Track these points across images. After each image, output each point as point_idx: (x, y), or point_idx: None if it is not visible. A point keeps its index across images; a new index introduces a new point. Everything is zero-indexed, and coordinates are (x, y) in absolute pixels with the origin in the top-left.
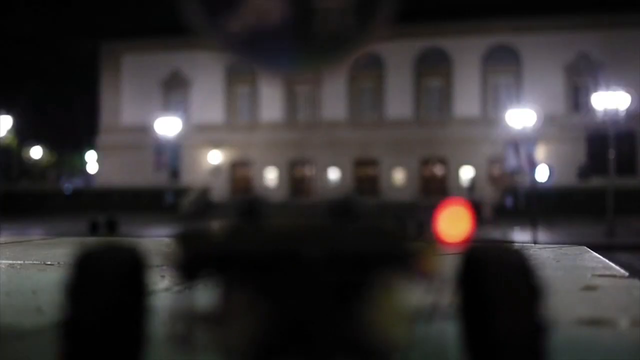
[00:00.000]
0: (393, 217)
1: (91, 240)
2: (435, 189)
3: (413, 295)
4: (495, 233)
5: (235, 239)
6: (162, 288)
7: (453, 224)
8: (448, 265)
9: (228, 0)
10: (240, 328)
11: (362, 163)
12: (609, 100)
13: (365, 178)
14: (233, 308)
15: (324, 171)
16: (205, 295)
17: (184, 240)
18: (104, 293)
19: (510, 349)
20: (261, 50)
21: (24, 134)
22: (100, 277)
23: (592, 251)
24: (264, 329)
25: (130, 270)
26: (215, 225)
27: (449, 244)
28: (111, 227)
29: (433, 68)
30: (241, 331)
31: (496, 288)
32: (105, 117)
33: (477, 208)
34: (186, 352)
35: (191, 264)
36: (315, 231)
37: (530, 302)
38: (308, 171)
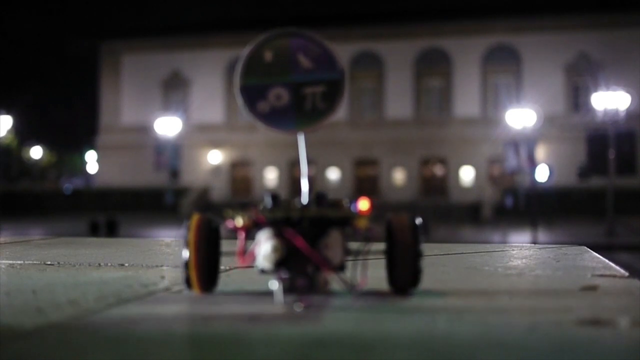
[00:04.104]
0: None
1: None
2: (435, 189)
3: (354, 241)
4: (495, 233)
5: (267, 213)
6: (162, 288)
7: (363, 205)
8: (371, 226)
9: (259, 93)
10: (267, 254)
11: (362, 163)
12: (609, 100)
13: (365, 178)
14: (265, 245)
15: (323, 171)
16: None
17: (242, 211)
18: (204, 238)
19: (403, 267)
20: (276, 119)
21: (24, 134)
22: (202, 229)
23: (592, 251)
24: (278, 254)
25: (214, 228)
26: (257, 207)
27: (363, 213)
28: (111, 227)
29: (433, 68)
30: (267, 255)
31: (397, 235)
32: (105, 117)
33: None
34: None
35: (247, 226)
36: (306, 208)
37: (414, 243)
38: (308, 171)
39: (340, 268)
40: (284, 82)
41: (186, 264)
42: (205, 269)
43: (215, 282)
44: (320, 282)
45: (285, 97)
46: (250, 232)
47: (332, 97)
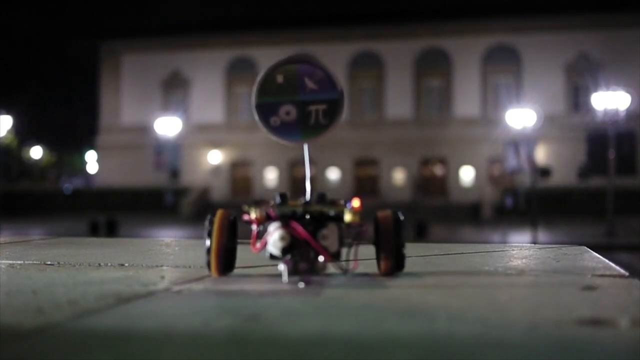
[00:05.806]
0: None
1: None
2: (435, 189)
3: (347, 233)
4: (494, 233)
5: (277, 208)
6: (162, 288)
7: (355, 203)
8: (363, 221)
9: (271, 109)
10: (276, 242)
11: (362, 163)
12: (609, 100)
13: (365, 178)
14: (274, 234)
15: (324, 171)
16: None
17: (256, 206)
18: (226, 228)
19: (388, 254)
20: (285, 132)
21: (24, 134)
22: (224, 221)
23: (592, 251)
24: (285, 242)
25: (233, 220)
26: (268, 201)
27: (355, 210)
28: (111, 227)
29: (433, 68)
30: (276, 243)
31: (382, 227)
32: (105, 117)
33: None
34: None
35: (260, 219)
36: (308, 205)
37: (397, 234)
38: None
39: (336, 255)
40: (292, 100)
41: (208, 251)
42: (224, 256)
43: (232, 268)
44: (319, 266)
45: (293, 113)
46: (263, 224)
47: (332, 113)
